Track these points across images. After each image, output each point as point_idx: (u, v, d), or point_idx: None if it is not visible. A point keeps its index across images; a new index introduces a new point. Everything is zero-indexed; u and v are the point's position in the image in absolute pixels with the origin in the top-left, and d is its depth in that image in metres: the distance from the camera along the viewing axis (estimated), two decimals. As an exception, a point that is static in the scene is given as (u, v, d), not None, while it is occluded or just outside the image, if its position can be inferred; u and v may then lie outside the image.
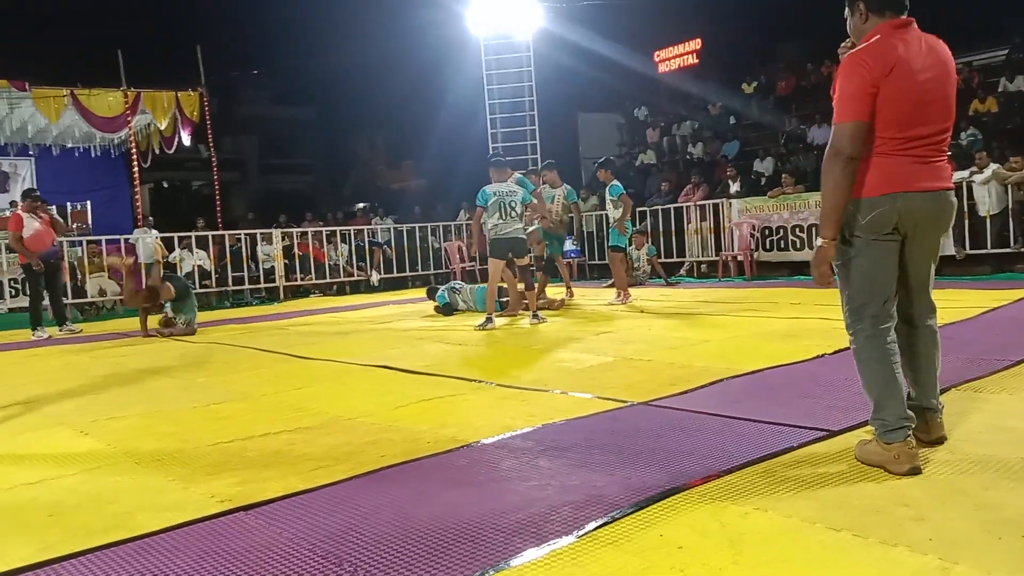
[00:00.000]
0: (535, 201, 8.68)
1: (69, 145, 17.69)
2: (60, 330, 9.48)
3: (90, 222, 15.97)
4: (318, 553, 2.29)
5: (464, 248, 15.91)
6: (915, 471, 2.66)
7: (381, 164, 34.78)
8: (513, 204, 8.09)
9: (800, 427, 3.31)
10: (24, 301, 11.23)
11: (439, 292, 9.80)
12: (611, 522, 2.39)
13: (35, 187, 12.12)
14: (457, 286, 9.93)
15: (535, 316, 7.99)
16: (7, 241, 10.72)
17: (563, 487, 2.75)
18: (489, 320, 7.83)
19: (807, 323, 6.72)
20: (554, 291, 10.39)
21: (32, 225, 9.06)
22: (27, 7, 26.71)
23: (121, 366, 6.61)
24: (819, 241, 2.78)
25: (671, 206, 14.22)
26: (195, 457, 3.47)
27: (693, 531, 2.29)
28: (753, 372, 4.63)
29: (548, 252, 10.14)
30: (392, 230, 15.92)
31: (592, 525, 2.36)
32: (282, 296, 13.99)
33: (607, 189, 9.75)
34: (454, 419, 3.92)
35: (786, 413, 3.57)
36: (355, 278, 15.15)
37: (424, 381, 5.06)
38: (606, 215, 10.62)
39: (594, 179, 12.83)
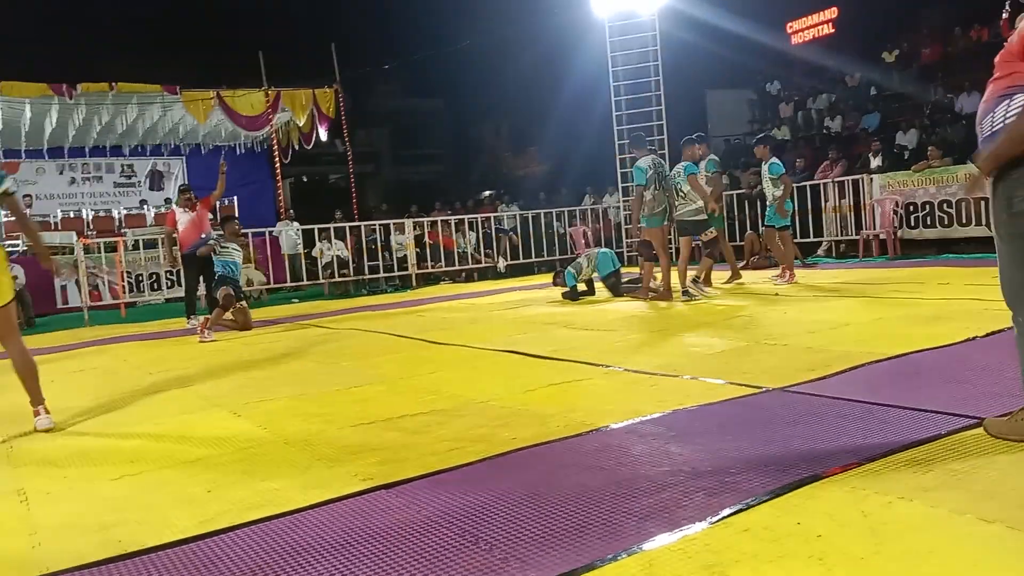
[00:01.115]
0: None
1: (216, 144, 18.85)
2: (192, 321, 10.09)
3: (238, 216, 16.97)
4: (455, 531, 2.38)
5: (589, 232, 15.89)
6: None
7: (506, 151, 35.13)
8: (679, 185, 8.26)
9: (949, 414, 3.13)
10: (180, 291, 12.10)
11: (567, 270, 9.80)
12: (746, 509, 2.35)
13: (187, 183, 12.98)
14: (581, 259, 9.91)
15: (686, 293, 8.11)
16: (163, 235, 11.57)
17: (695, 473, 2.72)
18: (685, 293, 8.16)
19: (956, 304, 6.33)
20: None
21: (183, 219, 9.73)
22: (175, 14, 28.58)
23: (269, 351, 7.02)
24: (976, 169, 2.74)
25: (807, 183, 13.64)
26: (339, 437, 3.66)
27: (832, 520, 2.22)
28: (897, 356, 4.41)
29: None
30: (518, 216, 16.07)
31: (726, 512, 2.33)
32: (414, 283, 14.42)
33: (767, 167, 9.62)
34: (583, 403, 3.95)
35: (933, 399, 3.39)
36: (483, 265, 15.42)
37: (552, 366, 5.11)
38: (761, 192, 10.54)
39: (726, 158, 12.53)
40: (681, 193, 8.24)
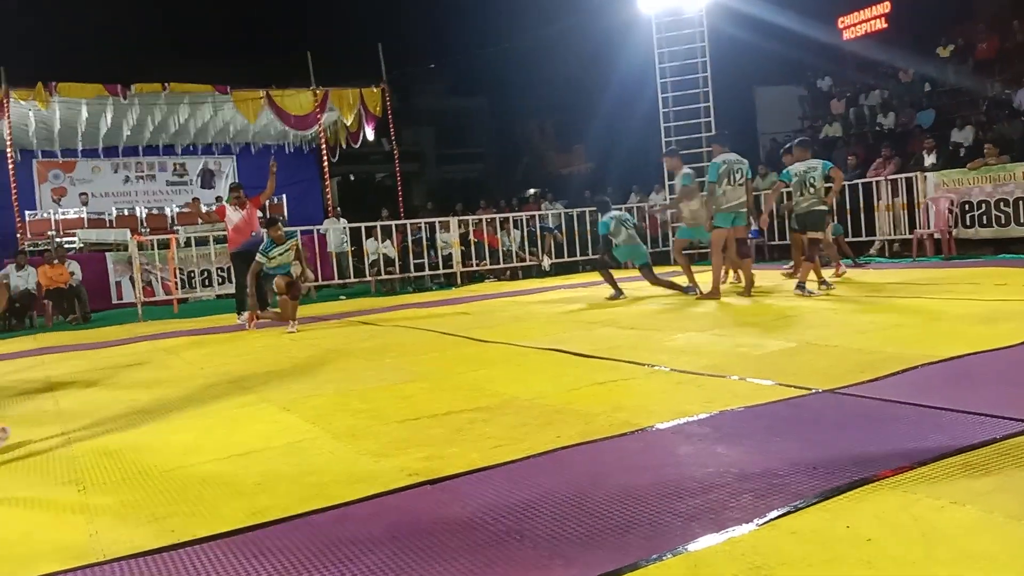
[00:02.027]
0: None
1: (266, 143, 19.17)
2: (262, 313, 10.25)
3: (286, 214, 17.25)
4: (500, 527, 2.38)
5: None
6: None
7: (551, 149, 35.09)
8: (813, 180, 8.37)
9: (1004, 418, 3.05)
10: (231, 288, 12.34)
11: (603, 219, 9.85)
12: (794, 511, 2.32)
13: (238, 181, 13.21)
14: (624, 229, 9.80)
15: (825, 283, 8.34)
16: (215, 232, 11.82)
17: (743, 475, 2.69)
18: (824, 283, 8.40)
19: (1013, 305, 6.15)
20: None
21: (232, 218, 9.87)
22: (226, 16, 29.12)
23: (316, 347, 7.12)
24: None
25: (859, 181, 13.35)
26: (385, 432, 3.70)
27: (883, 523, 2.18)
28: (952, 359, 4.31)
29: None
30: (563, 214, 16.04)
31: (774, 514, 2.30)
32: (459, 281, 14.49)
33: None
34: (628, 403, 3.93)
35: (988, 402, 3.30)
36: (527, 263, 15.42)
37: (597, 365, 5.10)
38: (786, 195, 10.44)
39: (774, 156, 12.41)
40: (812, 189, 8.33)
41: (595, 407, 3.85)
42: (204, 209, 17.03)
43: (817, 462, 2.75)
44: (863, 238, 13.10)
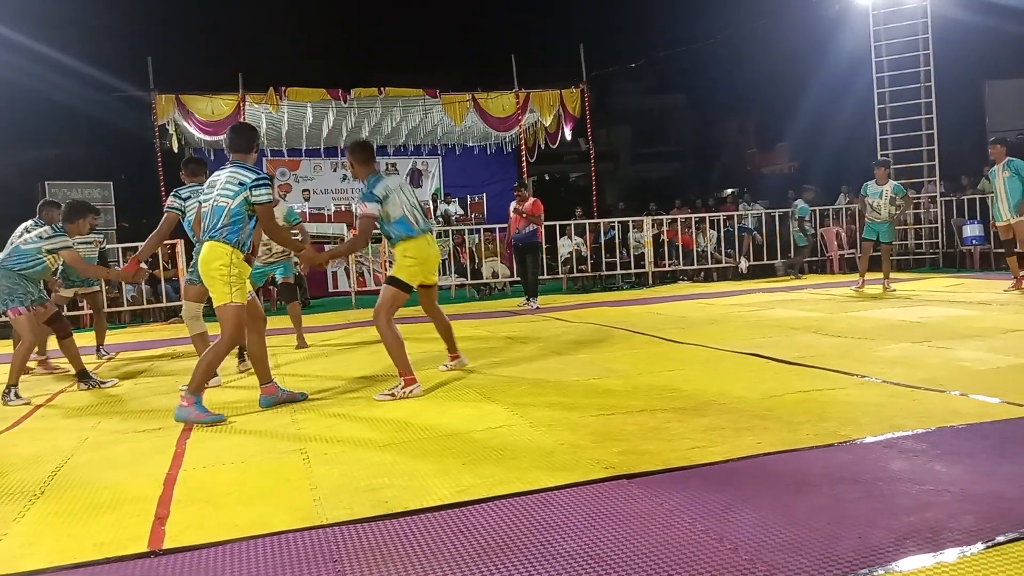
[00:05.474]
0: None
1: (468, 144, 19.95)
2: (527, 303, 10.82)
3: (486, 213, 17.86)
4: (699, 527, 2.38)
5: (843, 233, 14.94)
6: None
7: (751, 147, 33.89)
8: None
9: None
10: (443, 280, 13.32)
11: None
12: (1022, 539, 2.15)
13: (522, 180, 13.77)
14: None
15: None
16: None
17: (964, 495, 2.52)
18: None
19: None
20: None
21: (511, 213, 10.78)
22: (435, 22, 30.56)
23: (512, 340, 7.32)
24: None
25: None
26: (580, 425, 3.77)
27: None
28: None
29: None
30: (763, 215, 15.46)
31: (1001, 538, 2.15)
32: (651, 281, 14.35)
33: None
34: (834, 413, 3.76)
35: None
36: (723, 265, 15.01)
37: (800, 372, 4.90)
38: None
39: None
40: None
41: (798, 415, 3.72)
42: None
43: (1054, 489, 2.51)
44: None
